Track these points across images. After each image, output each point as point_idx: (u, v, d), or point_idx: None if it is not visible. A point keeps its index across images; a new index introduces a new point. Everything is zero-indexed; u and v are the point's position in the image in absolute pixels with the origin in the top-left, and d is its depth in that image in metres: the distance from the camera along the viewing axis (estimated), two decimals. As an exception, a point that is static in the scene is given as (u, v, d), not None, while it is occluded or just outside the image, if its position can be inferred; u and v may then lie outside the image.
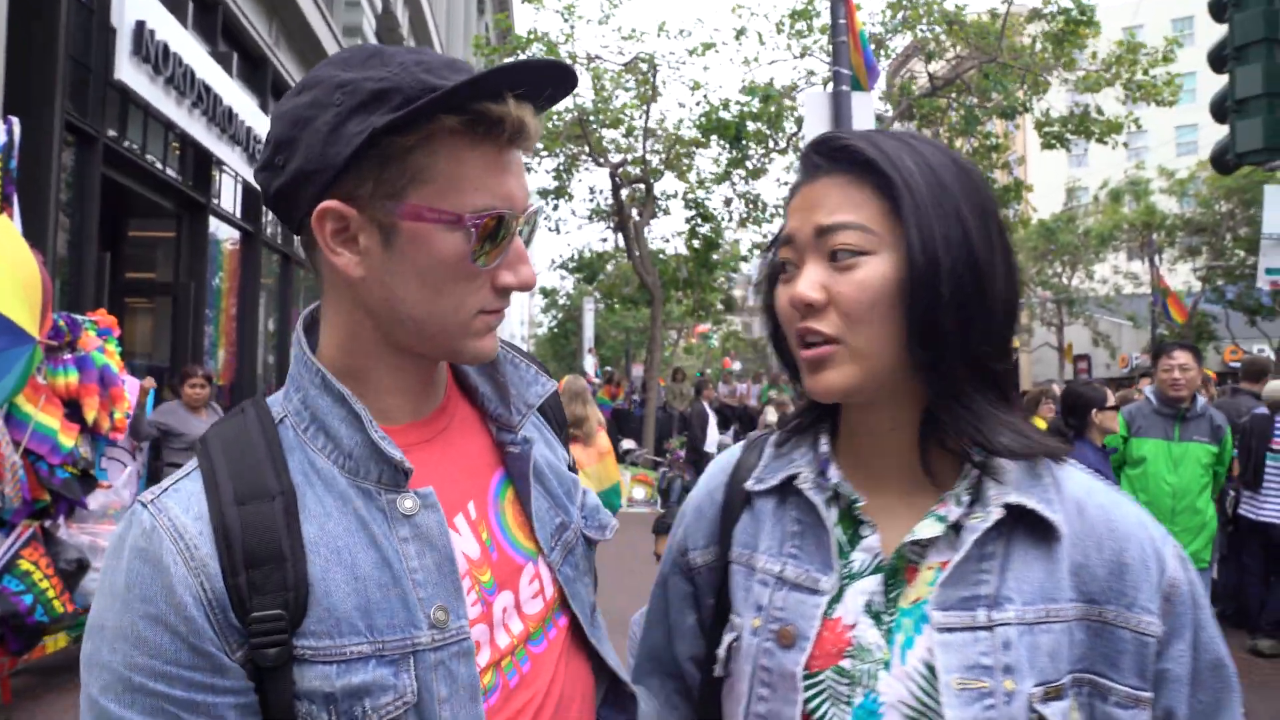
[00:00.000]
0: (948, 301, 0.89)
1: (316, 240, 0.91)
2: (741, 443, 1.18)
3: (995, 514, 0.91)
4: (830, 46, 7.21)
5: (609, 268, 20.20)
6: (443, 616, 0.89)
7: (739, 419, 15.11)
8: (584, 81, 14.26)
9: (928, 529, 0.94)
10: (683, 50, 18.61)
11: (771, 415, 12.95)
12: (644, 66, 14.16)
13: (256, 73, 11.65)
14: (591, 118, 14.51)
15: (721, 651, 1.04)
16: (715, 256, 17.13)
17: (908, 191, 0.90)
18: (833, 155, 0.96)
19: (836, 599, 0.97)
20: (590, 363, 23.28)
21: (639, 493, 12.85)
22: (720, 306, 21.10)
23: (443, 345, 0.95)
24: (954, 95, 14.01)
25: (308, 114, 0.88)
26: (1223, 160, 6.36)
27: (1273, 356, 19.15)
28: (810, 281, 0.93)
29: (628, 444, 14.40)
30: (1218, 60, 6.40)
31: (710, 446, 11.44)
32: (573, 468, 1.17)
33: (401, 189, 0.88)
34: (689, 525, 1.16)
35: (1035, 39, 13.25)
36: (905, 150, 0.93)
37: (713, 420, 11.73)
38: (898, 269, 0.90)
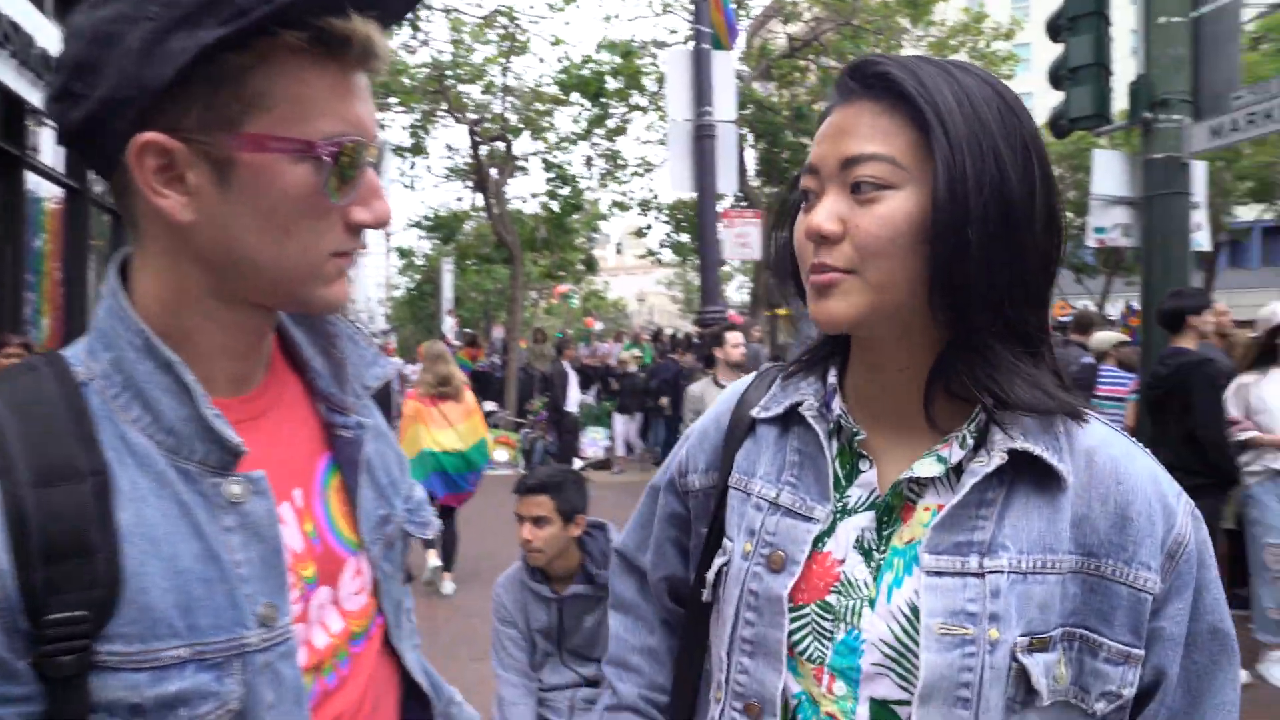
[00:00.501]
0: (975, 248, 0.83)
1: (133, 181, 0.78)
2: (753, 373, 1.15)
3: (998, 459, 0.87)
4: (691, 4, 7.18)
5: (467, 227, 19.75)
6: (270, 613, 0.80)
7: (600, 379, 15.11)
8: (442, 34, 13.78)
9: (927, 468, 0.91)
10: (543, 4, 18.23)
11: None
12: (504, 20, 13.78)
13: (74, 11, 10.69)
14: (449, 72, 14.05)
15: (711, 575, 1.03)
16: (576, 218, 17.00)
17: (940, 126, 0.84)
18: (868, 81, 0.89)
19: (829, 532, 0.95)
20: (449, 325, 22.79)
21: (501, 455, 12.70)
22: (581, 266, 21.03)
23: (289, 294, 0.85)
24: (811, 57, 14.26)
25: (114, 29, 0.75)
26: (1058, 124, 6.69)
27: (1094, 310, 20.58)
28: (827, 212, 0.88)
29: (489, 406, 14.21)
30: (1054, 29, 6.71)
31: (571, 406, 11.41)
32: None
33: (237, 116, 0.77)
34: (691, 447, 1.15)
35: (889, 3, 13.60)
36: (945, 80, 0.87)
37: (573, 380, 11.69)
38: (923, 207, 0.85)
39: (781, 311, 16.93)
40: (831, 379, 1.01)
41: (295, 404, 0.95)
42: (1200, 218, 6.89)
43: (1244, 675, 4.44)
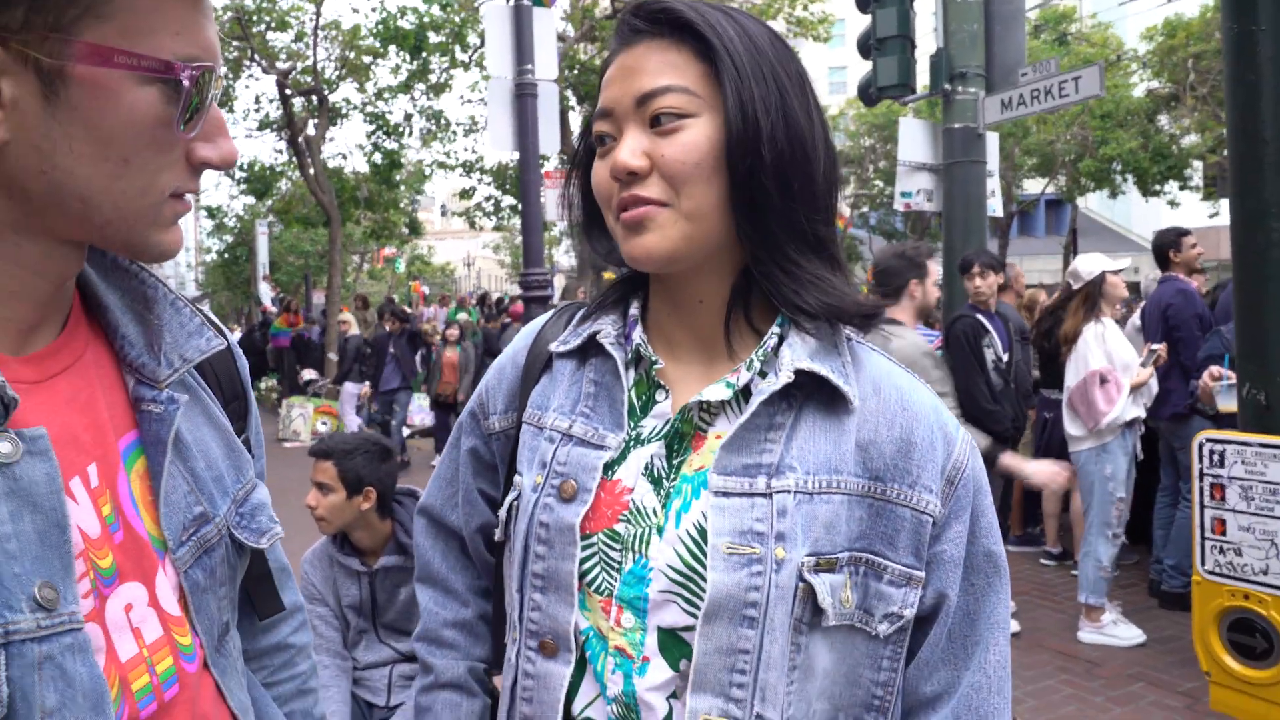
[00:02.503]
0: (770, 164, 0.87)
1: None
2: (551, 310, 1.13)
3: (785, 378, 0.88)
4: (510, -44, 7.00)
5: (283, 185, 18.73)
6: (50, 596, 0.67)
7: (426, 344, 14.74)
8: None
9: (715, 392, 0.92)
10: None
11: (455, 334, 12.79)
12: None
13: None
14: (254, 17, 13.17)
15: (503, 513, 1.00)
16: (399, 177, 16.42)
17: (726, 54, 0.88)
18: (652, 18, 0.91)
19: (619, 460, 0.94)
20: (266, 290, 21.62)
21: (323, 425, 12.21)
22: (405, 229, 20.38)
23: (120, 236, 0.75)
24: (634, 20, 14.28)
25: None
26: (867, 93, 6.99)
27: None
28: (631, 149, 0.89)
29: (309, 374, 13.61)
30: (862, 1, 6.98)
31: (394, 373, 11.05)
32: (250, 447, 1.00)
33: (73, 22, 0.67)
34: (490, 387, 1.11)
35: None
36: (724, 17, 0.91)
37: (397, 345, 11.28)
38: (720, 132, 0.88)
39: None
40: (633, 311, 1.01)
41: (97, 372, 0.82)
42: (993, 185, 7.36)
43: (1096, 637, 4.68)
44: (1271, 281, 1.82)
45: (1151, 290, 6.14)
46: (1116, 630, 4.66)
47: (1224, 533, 1.75)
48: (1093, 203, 30.80)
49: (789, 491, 0.87)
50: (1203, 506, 1.80)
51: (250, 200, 21.21)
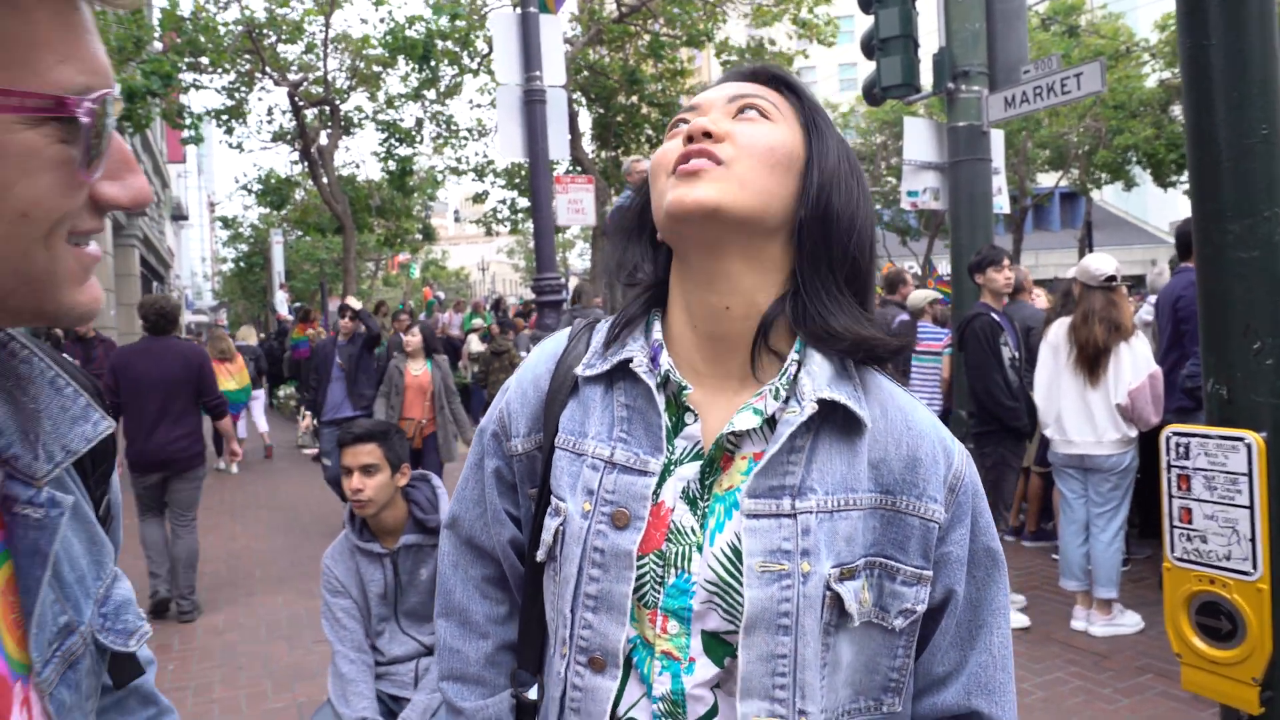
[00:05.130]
0: (840, 178, 1.00)
1: None
2: (566, 329, 1.17)
3: (810, 409, 0.96)
4: (515, -34, 7.09)
5: (298, 195, 18.94)
6: None
7: (443, 348, 14.86)
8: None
9: (745, 421, 0.98)
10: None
11: (476, 344, 12.89)
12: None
13: None
14: (266, 30, 13.34)
15: (548, 537, 1.05)
16: (411, 183, 16.58)
17: (820, 114, 1.03)
18: (773, 78, 1.05)
19: (660, 482, 1.00)
20: (282, 299, 21.82)
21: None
22: (419, 235, 20.55)
23: (29, 305, 0.64)
24: (641, 22, 14.35)
25: None
26: (871, 93, 7.03)
27: (918, 271, 21.83)
28: (713, 118, 0.99)
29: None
30: (865, 2, 7.02)
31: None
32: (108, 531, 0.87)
33: None
34: (513, 410, 1.14)
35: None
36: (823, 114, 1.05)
37: (409, 350, 11.39)
38: (797, 142, 0.99)
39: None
40: (656, 333, 1.06)
41: None
42: (1000, 182, 7.39)
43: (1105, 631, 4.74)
44: (1228, 280, 1.89)
45: (1160, 284, 6.15)
46: (1124, 619, 4.72)
47: (1190, 521, 1.81)
48: (1108, 195, 30.64)
49: (811, 512, 0.95)
50: (1171, 497, 1.86)
51: (265, 210, 21.46)
